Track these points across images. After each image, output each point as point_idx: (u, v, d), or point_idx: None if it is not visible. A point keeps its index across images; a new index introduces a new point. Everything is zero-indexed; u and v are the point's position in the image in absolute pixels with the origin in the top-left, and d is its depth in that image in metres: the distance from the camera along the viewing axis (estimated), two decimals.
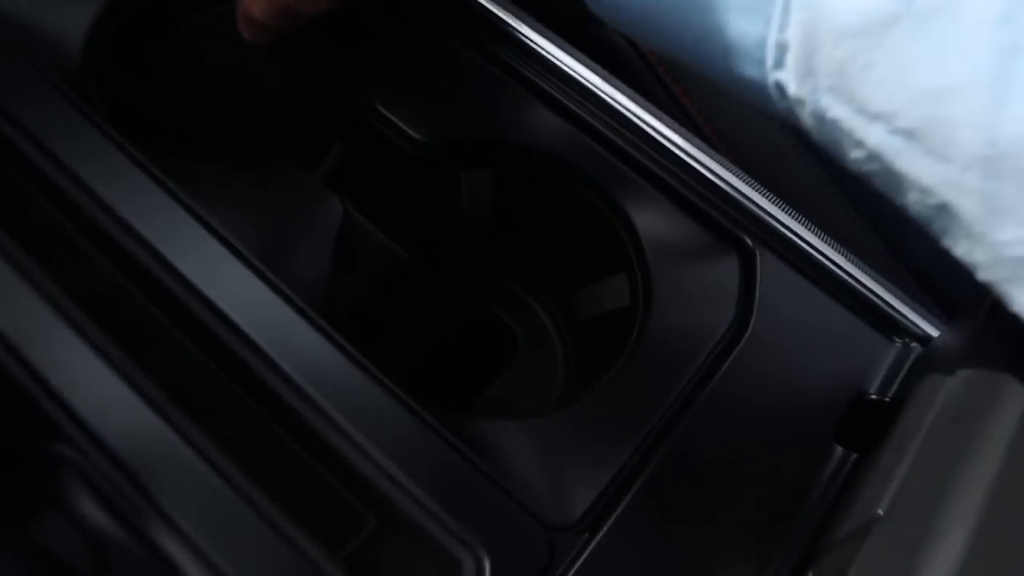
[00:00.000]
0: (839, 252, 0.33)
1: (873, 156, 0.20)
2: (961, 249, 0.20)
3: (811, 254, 0.32)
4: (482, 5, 0.35)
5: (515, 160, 0.34)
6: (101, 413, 0.23)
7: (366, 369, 0.26)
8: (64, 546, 0.23)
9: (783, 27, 0.20)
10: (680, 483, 0.27)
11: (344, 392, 0.25)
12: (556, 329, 0.39)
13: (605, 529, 0.26)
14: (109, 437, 0.23)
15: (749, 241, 0.32)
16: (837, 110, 0.20)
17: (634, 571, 0.26)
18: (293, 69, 0.36)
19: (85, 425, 0.23)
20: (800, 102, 0.21)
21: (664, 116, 0.33)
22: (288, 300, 0.26)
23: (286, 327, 0.26)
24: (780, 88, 0.21)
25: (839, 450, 0.29)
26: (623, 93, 0.33)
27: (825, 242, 0.33)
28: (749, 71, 0.21)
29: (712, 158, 0.33)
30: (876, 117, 0.20)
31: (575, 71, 0.34)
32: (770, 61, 0.21)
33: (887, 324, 0.31)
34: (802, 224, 0.33)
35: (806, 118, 0.21)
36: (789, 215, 0.33)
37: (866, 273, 0.32)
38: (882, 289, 0.32)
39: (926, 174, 0.20)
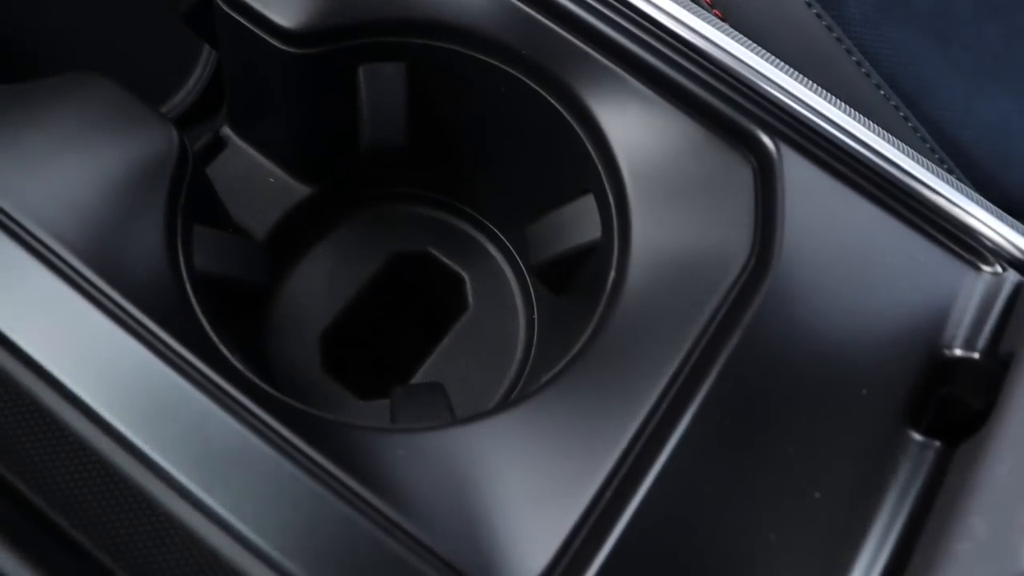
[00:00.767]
0: (893, 146, 0.23)
1: None
2: None
3: (855, 149, 0.23)
4: None
5: (431, 46, 0.25)
6: None
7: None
8: None
9: None
10: (684, 516, 0.18)
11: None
12: (516, 275, 0.30)
13: None
14: None
15: (765, 137, 0.23)
16: None
17: None
18: None
19: None
20: None
21: None
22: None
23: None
24: None
25: (915, 438, 0.20)
26: None
27: (872, 131, 0.23)
28: None
29: (707, 22, 0.23)
30: None
31: None
32: None
33: (969, 245, 0.22)
34: (838, 108, 0.23)
35: None
36: (820, 96, 0.23)
37: (934, 174, 0.23)
38: (959, 196, 0.22)
39: None
